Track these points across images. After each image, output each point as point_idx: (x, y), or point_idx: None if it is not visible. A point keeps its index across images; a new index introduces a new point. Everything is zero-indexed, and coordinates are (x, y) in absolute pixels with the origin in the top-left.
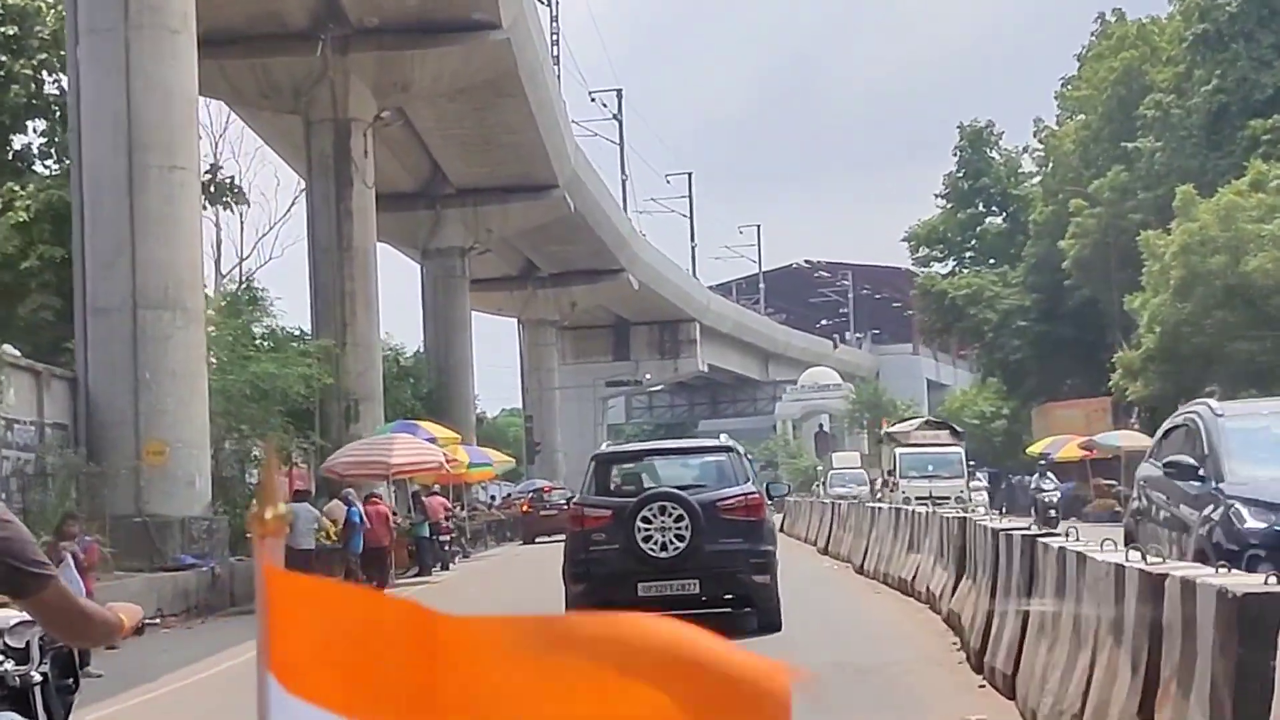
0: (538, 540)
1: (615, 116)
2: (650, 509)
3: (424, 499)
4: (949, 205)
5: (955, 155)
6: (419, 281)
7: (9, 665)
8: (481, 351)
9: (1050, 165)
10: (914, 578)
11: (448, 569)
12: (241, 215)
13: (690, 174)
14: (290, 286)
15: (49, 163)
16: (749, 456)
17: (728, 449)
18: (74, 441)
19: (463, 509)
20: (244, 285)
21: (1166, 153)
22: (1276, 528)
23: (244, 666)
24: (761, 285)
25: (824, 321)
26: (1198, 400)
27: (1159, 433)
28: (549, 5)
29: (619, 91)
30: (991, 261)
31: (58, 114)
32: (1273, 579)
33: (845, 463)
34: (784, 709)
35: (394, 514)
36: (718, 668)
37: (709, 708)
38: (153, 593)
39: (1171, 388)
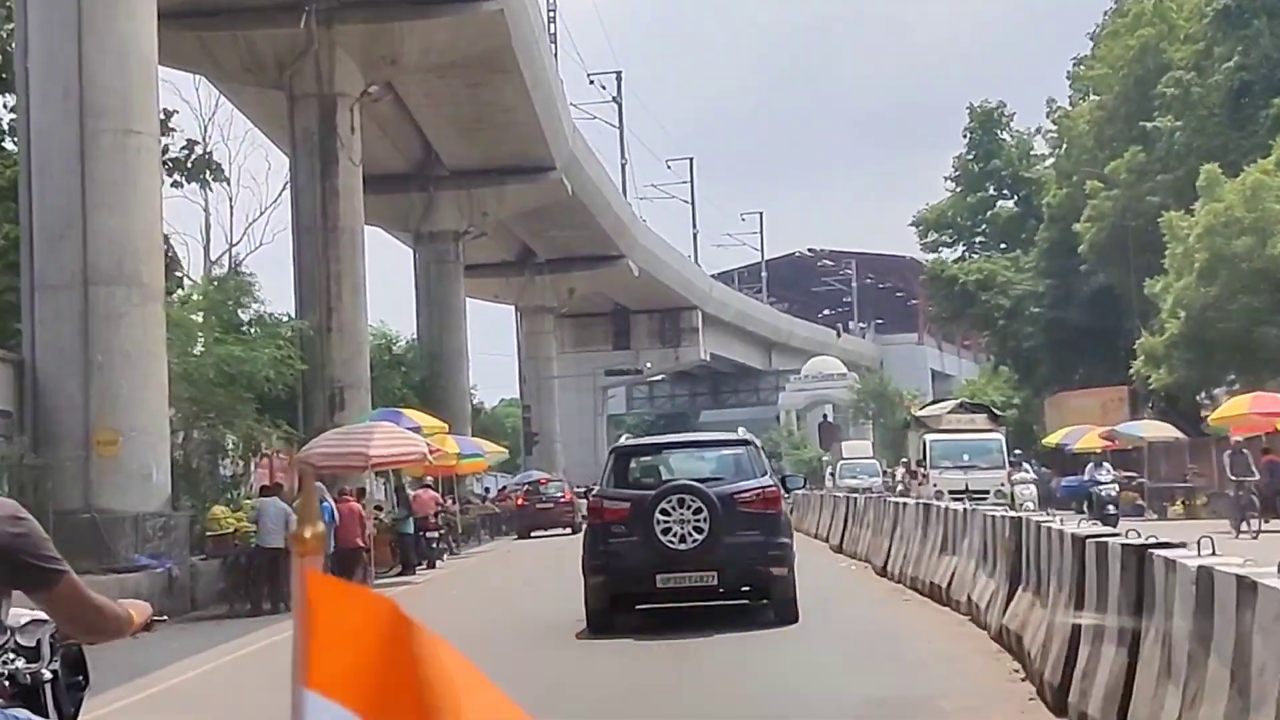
0: (533, 535)
1: (614, 99)
2: (669, 501)
3: (412, 492)
4: (959, 189)
5: (965, 137)
6: (412, 267)
7: (20, 663)
8: (480, 340)
9: (1064, 147)
10: (949, 584)
11: (434, 567)
12: (231, 200)
13: (691, 159)
14: (283, 273)
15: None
16: None
17: (745, 442)
18: (19, 429)
19: (455, 502)
20: (232, 270)
21: (1187, 132)
22: None
23: (196, 682)
24: (764, 274)
25: (827, 311)
26: None
27: None
28: None
29: (618, 74)
30: (1003, 246)
31: None
32: None
33: (856, 452)
34: None
35: (379, 509)
36: None
37: None
38: None
39: (1196, 375)
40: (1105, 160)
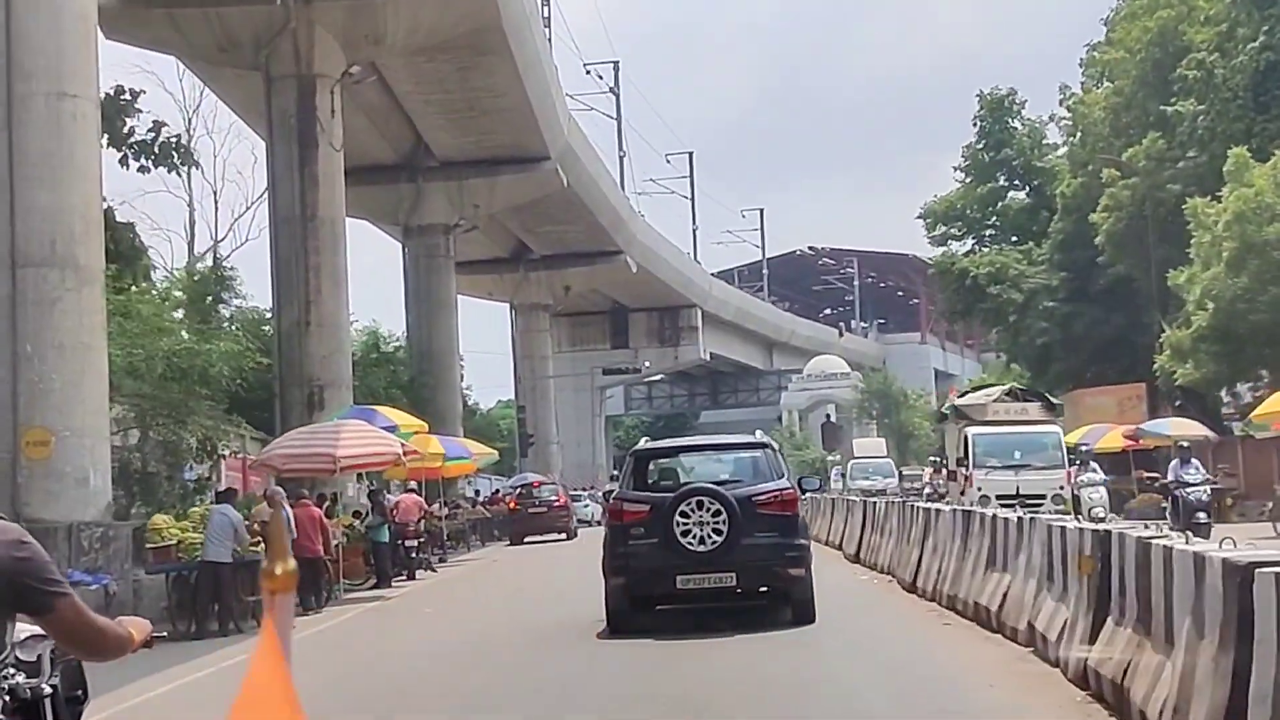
0: (526, 541)
1: (612, 89)
2: (688, 504)
3: (393, 497)
4: (968, 179)
5: (975, 125)
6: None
7: (20, 678)
8: (476, 340)
9: (1078, 134)
10: (1000, 607)
11: (414, 578)
12: (216, 194)
13: (691, 153)
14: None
15: None
16: None
17: (763, 445)
18: None
19: (443, 507)
20: (214, 265)
21: (1210, 116)
22: None
23: (127, 715)
24: (765, 271)
25: (828, 310)
26: None
27: None
28: None
29: (615, 64)
30: (1014, 239)
31: None
32: None
33: (869, 451)
34: None
35: (358, 515)
36: None
37: None
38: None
39: (1227, 370)
40: (1122, 148)
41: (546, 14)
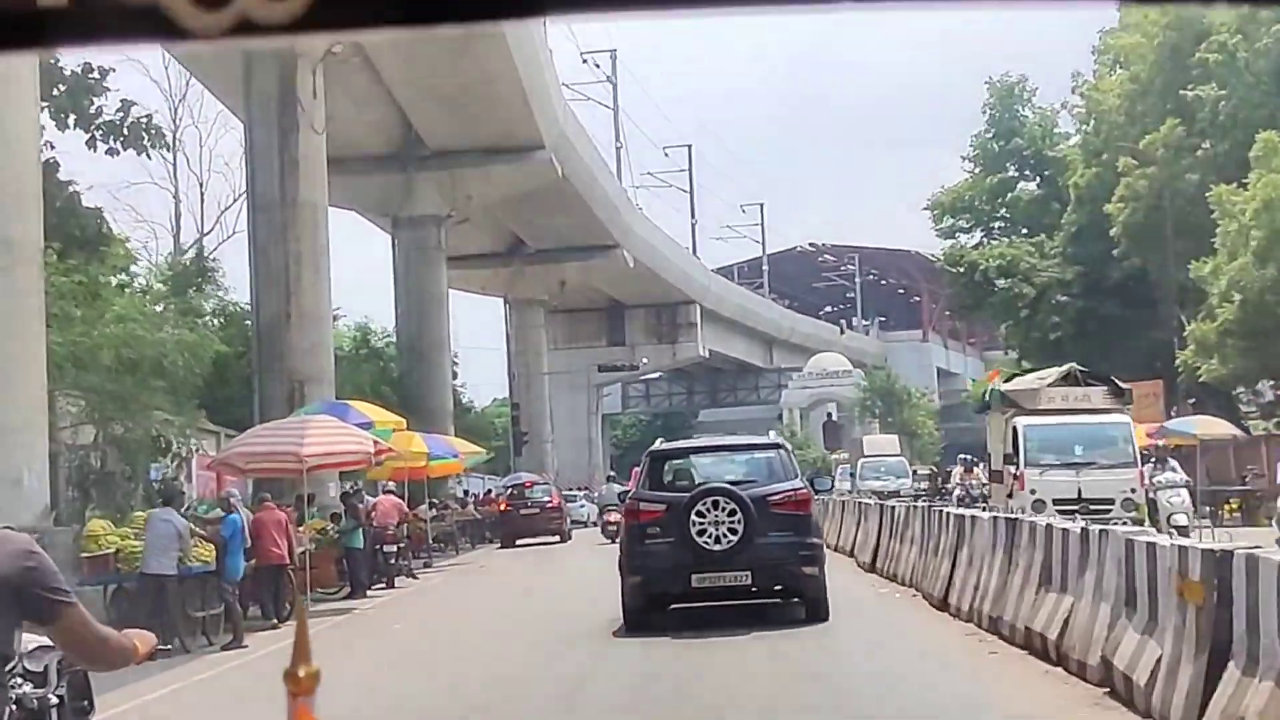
0: (518, 544)
1: (609, 79)
2: (704, 504)
3: (372, 499)
4: (977, 170)
5: (984, 114)
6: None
7: (27, 688)
8: (470, 337)
9: (1092, 123)
10: (1061, 635)
11: (394, 586)
12: (202, 186)
13: (690, 146)
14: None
15: None
16: None
17: (777, 446)
18: None
19: (429, 509)
20: (197, 257)
21: (1231, 101)
22: None
23: None
24: (765, 268)
25: (829, 308)
26: None
27: None
28: None
29: (613, 52)
30: (1024, 231)
31: None
32: None
33: (880, 449)
34: None
35: (335, 518)
36: None
37: None
38: None
39: (1255, 365)
40: (1138, 136)
41: None
